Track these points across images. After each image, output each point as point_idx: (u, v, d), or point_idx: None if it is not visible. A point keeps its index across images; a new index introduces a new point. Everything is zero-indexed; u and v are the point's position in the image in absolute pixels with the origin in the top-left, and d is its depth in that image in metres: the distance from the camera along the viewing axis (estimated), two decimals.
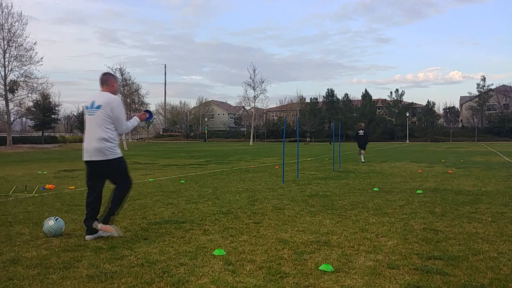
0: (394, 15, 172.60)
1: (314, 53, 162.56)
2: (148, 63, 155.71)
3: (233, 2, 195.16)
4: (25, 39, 38.55)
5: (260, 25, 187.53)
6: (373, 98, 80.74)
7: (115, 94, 4.71)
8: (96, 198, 4.61)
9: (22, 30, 38.25)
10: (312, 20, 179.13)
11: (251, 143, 58.34)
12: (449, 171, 12.76)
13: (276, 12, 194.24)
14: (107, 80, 4.72)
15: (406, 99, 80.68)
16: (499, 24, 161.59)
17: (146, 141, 77.45)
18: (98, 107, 4.51)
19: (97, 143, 4.46)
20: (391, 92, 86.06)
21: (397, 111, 77.67)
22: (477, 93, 76.27)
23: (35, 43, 53.18)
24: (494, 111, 76.16)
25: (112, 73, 5.05)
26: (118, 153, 4.58)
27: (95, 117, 4.51)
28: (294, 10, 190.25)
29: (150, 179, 10.72)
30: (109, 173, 4.62)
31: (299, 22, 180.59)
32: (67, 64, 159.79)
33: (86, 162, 4.59)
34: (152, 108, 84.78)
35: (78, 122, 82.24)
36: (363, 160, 16.72)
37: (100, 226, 4.45)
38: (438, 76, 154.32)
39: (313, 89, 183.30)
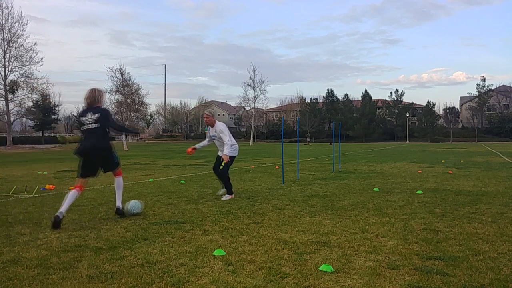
0: (403, 17, 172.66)
1: (321, 54, 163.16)
2: (155, 64, 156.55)
3: (244, 5, 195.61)
4: (25, 40, 38.72)
5: (270, 27, 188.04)
6: (373, 98, 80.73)
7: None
8: None
9: (23, 30, 38.44)
10: (321, 22, 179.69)
11: (251, 143, 58.36)
12: (449, 172, 12.76)
13: (286, 14, 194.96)
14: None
15: (406, 99, 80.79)
16: (506, 26, 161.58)
17: (146, 141, 77.44)
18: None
19: None
20: (391, 93, 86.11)
21: (397, 111, 77.64)
22: (477, 94, 76.26)
23: (35, 44, 53.29)
24: (494, 112, 76.15)
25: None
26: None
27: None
28: (304, 12, 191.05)
29: (150, 180, 10.73)
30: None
31: (308, 24, 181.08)
32: (76, 65, 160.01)
33: None
34: (152, 108, 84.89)
35: (78, 123, 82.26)
36: None
37: None
38: (442, 76, 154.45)
39: (316, 90, 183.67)
